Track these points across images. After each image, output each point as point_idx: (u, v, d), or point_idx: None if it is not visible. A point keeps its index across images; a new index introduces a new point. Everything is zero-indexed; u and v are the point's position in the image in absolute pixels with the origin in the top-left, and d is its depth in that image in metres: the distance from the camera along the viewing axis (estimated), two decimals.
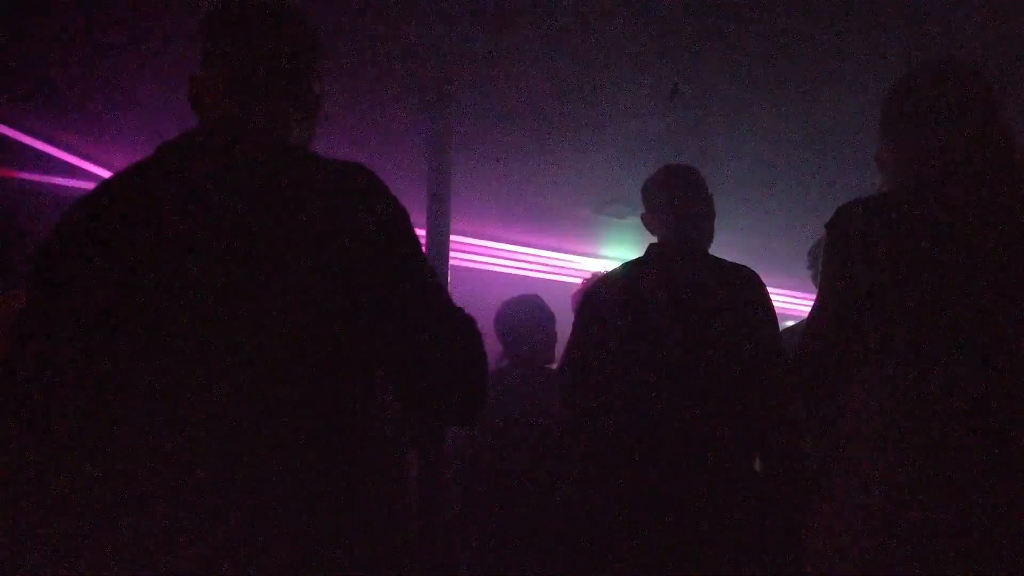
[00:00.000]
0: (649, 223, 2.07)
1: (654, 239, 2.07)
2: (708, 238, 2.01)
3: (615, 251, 5.02)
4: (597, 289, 2.03)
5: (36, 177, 3.54)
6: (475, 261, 4.97)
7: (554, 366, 2.61)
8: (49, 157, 3.50)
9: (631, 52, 2.72)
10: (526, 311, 2.68)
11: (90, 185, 1.11)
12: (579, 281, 4.03)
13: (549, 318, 2.72)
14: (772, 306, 1.82)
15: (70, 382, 0.91)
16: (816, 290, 1.41)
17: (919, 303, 1.24)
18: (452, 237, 3.28)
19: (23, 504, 0.87)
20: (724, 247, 4.21)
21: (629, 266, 2.01)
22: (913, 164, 1.37)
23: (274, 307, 0.89)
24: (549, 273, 5.21)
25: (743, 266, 1.87)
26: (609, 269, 2.20)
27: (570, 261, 5.22)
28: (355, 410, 0.94)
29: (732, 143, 3.45)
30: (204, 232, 0.92)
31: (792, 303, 5.46)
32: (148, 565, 0.83)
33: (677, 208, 1.99)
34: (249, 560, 0.84)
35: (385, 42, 2.66)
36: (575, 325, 2.05)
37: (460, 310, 1.01)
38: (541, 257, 5.19)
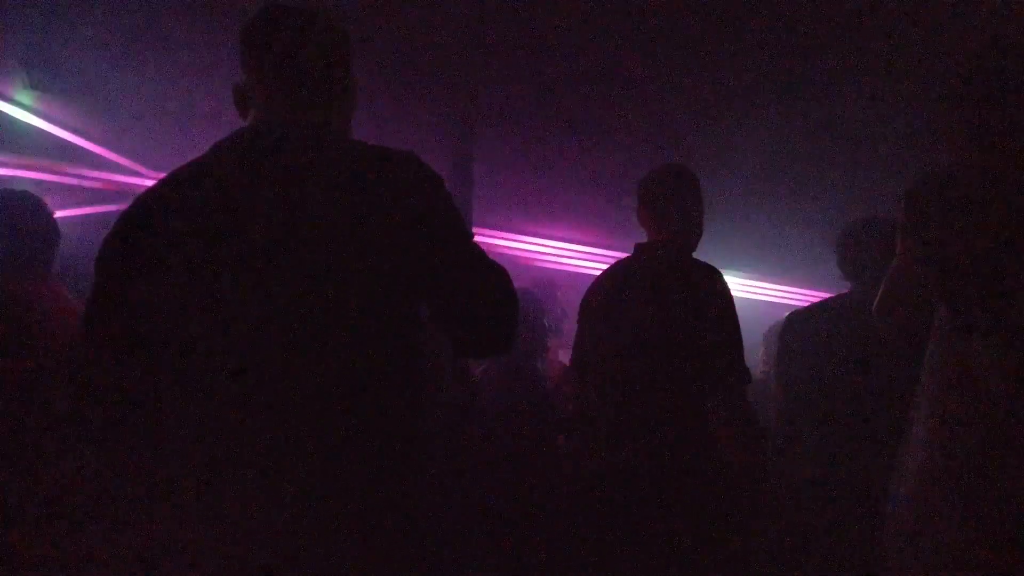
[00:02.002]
0: (640, 220, 2.12)
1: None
2: (693, 238, 2.05)
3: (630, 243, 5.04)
4: (591, 287, 2.13)
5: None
6: (495, 252, 5.03)
7: (542, 358, 2.76)
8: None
9: (648, 50, 2.77)
10: None
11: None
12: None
13: (536, 311, 2.80)
14: (731, 303, 1.88)
15: (142, 362, 1.01)
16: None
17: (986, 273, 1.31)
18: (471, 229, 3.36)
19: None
20: (733, 242, 4.21)
21: (616, 264, 2.11)
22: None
23: (344, 281, 1.00)
24: (570, 264, 5.26)
25: (710, 267, 1.92)
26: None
27: (589, 252, 5.26)
28: (412, 370, 1.09)
29: (746, 139, 3.48)
30: (273, 214, 1.01)
31: (797, 297, 5.48)
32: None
33: (663, 208, 2.03)
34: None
35: (413, 38, 2.74)
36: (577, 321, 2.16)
37: (495, 262, 1.15)
38: (560, 248, 5.24)
